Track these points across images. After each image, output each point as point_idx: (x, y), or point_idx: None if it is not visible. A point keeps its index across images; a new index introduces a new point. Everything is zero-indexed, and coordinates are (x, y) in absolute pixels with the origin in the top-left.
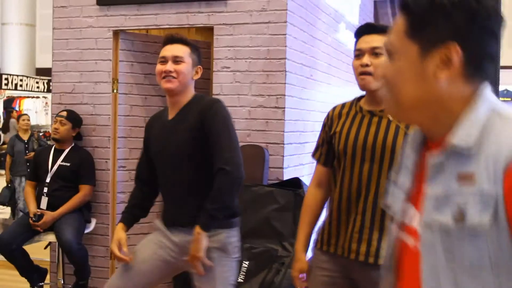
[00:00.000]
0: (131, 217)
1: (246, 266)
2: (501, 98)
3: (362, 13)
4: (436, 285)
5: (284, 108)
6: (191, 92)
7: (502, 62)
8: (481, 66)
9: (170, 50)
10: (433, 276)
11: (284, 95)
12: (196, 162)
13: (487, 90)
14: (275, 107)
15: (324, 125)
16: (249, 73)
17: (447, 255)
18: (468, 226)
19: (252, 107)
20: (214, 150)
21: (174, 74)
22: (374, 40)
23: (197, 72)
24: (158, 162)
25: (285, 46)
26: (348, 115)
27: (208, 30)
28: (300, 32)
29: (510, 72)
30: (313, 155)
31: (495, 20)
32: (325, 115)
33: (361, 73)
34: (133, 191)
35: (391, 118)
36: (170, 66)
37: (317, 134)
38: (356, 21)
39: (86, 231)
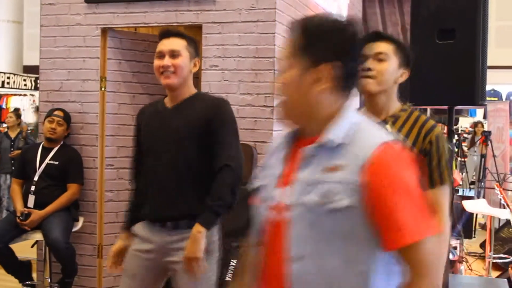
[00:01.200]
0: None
1: (234, 264)
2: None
3: (350, 12)
4: (301, 250)
5: (273, 106)
6: (191, 85)
7: (489, 62)
8: (352, 81)
9: (167, 44)
10: (299, 243)
11: (273, 93)
12: (189, 152)
13: (355, 101)
14: (264, 106)
15: None
16: (237, 72)
17: (311, 227)
18: (330, 207)
19: (240, 105)
20: (219, 147)
21: (172, 69)
22: (379, 46)
23: (195, 65)
24: (151, 149)
25: (274, 44)
26: None
27: (197, 29)
28: (289, 31)
29: (496, 72)
30: None
31: (361, 43)
32: None
33: (363, 77)
34: (133, 190)
35: (390, 129)
36: (167, 60)
37: None
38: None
39: (74, 229)
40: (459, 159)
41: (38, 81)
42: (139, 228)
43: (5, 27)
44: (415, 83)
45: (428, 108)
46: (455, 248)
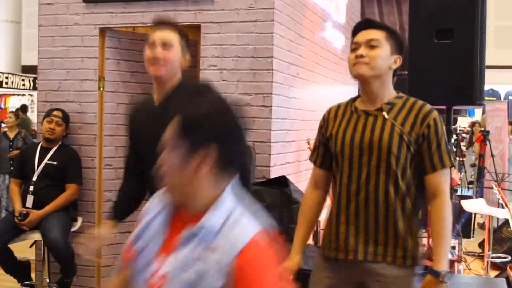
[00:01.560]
0: (118, 212)
1: None
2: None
3: (349, 12)
4: None
5: (271, 106)
6: (178, 77)
7: (487, 62)
8: (232, 163)
9: (160, 35)
10: None
11: (271, 93)
12: None
13: (234, 182)
14: (262, 106)
15: (320, 128)
16: (236, 72)
17: None
18: (204, 285)
19: (239, 105)
20: None
21: (162, 62)
22: (370, 33)
23: (185, 59)
24: (147, 152)
25: (272, 44)
26: (344, 116)
27: (195, 28)
28: (287, 30)
29: (495, 71)
30: (310, 157)
31: (243, 126)
32: (312, 113)
33: (355, 63)
34: (121, 184)
35: (386, 116)
36: (159, 52)
37: (304, 132)
38: (343, 20)
39: (73, 229)
40: (457, 158)
41: (37, 81)
42: None
43: (3, 27)
44: (413, 83)
45: None
46: (453, 247)
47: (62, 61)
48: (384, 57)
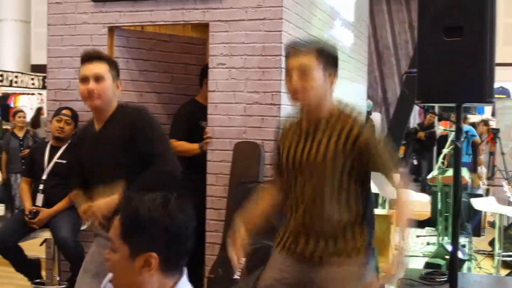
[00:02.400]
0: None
1: (243, 263)
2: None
3: (357, 10)
4: None
5: (280, 104)
6: (114, 104)
7: (497, 60)
8: (177, 264)
9: (90, 69)
10: None
11: (280, 91)
12: (124, 168)
13: (182, 282)
14: (271, 104)
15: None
16: (244, 70)
17: None
18: None
19: (247, 103)
20: (149, 157)
21: (96, 93)
22: (302, 59)
23: (117, 86)
24: (88, 168)
25: (281, 43)
26: (293, 130)
27: (204, 27)
28: (295, 29)
29: (505, 69)
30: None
31: (185, 228)
32: None
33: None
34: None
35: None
36: (92, 85)
37: None
38: (352, 18)
39: (82, 228)
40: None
41: (46, 80)
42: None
43: (12, 26)
44: (423, 81)
45: (436, 106)
46: (463, 246)
47: (71, 60)
48: (318, 84)
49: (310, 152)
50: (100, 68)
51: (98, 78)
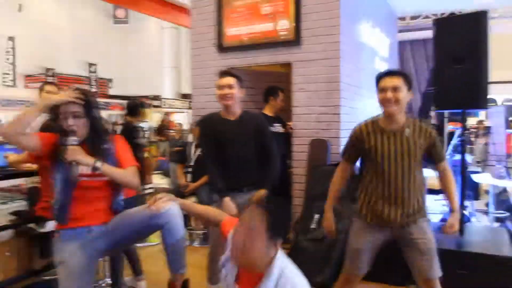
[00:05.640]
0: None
1: (317, 218)
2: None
3: (390, 49)
4: None
5: (340, 114)
6: (240, 105)
7: (490, 79)
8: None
9: (225, 81)
10: None
11: (339, 105)
12: (253, 148)
13: (279, 256)
14: (334, 114)
15: (352, 138)
16: (316, 92)
17: None
18: None
19: (319, 114)
20: (264, 149)
21: (229, 96)
22: (394, 81)
23: (242, 92)
24: (229, 148)
25: (339, 73)
26: (376, 134)
27: (288, 65)
28: (349, 63)
29: (494, 85)
30: (342, 155)
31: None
32: (367, 117)
33: (386, 103)
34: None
35: (407, 134)
36: (227, 91)
37: None
38: (387, 54)
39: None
40: (468, 146)
41: (191, 103)
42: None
43: (170, 71)
44: (438, 95)
45: (446, 112)
46: (467, 206)
47: (205, 90)
48: (404, 97)
49: (403, 146)
50: (231, 80)
51: (230, 86)
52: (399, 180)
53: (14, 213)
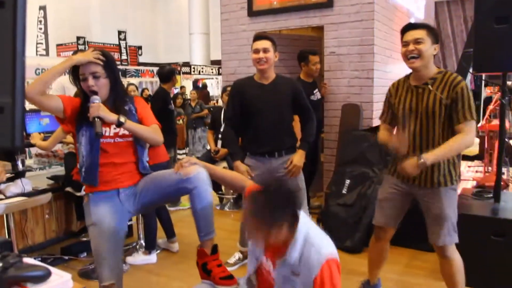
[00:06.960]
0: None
1: (348, 183)
2: None
3: (426, 10)
4: None
5: (373, 78)
6: (274, 70)
7: None
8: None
9: (261, 44)
10: None
11: (373, 69)
12: (288, 111)
13: (302, 223)
14: (367, 78)
15: (387, 94)
16: (348, 55)
17: None
18: None
19: (351, 78)
20: (301, 109)
21: (264, 60)
22: (416, 33)
23: (276, 56)
24: (258, 112)
25: (373, 36)
26: (403, 89)
27: (320, 28)
28: (383, 25)
29: None
30: (380, 118)
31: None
32: None
33: (409, 58)
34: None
35: (431, 88)
36: (262, 55)
37: None
38: (422, 16)
39: None
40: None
41: (220, 69)
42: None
43: (199, 37)
44: (478, 57)
45: (483, 75)
46: (503, 173)
47: (235, 55)
48: (428, 49)
49: (423, 102)
50: (268, 43)
51: (265, 50)
52: (417, 139)
53: (52, 177)
